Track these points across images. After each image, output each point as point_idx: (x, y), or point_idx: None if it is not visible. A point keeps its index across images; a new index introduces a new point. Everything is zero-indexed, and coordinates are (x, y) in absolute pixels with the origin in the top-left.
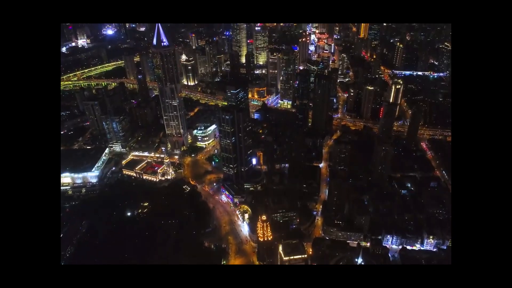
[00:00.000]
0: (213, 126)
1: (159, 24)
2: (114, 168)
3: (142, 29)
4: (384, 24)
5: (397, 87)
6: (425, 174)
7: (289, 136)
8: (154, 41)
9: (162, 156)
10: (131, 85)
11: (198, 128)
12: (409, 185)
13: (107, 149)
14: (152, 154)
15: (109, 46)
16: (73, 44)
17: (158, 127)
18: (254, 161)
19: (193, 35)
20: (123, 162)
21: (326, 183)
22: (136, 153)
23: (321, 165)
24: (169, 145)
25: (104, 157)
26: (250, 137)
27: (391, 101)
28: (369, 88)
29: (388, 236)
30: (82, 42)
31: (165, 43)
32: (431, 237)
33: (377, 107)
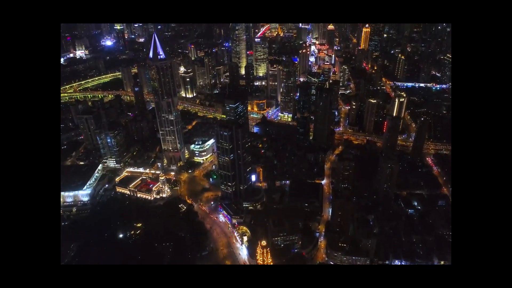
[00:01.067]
0: (211, 141)
1: (156, 36)
2: (107, 185)
3: (141, 40)
4: (385, 35)
5: (401, 100)
6: (432, 192)
7: (290, 151)
8: (151, 54)
9: (158, 172)
10: (128, 97)
11: (196, 143)
12: (416, 203)
13: (101, 165)
14: (148, 171)
15: (108, 57)
16: (71, 55)
17: (155, 141)
18: (253, 177)
19: (192, 46)
20: (117, 179)
21: (329, 202)
22: (131, 169)
23: (323, 181)
24: (165, 161)
25: (97, 174)
26: (250, 153)
27: (394, 114)
28: (372, 101)
29: (396, 261)
30: (80, 53)
31: (161, 56)
32: (442, 262)
33: (380, 120)
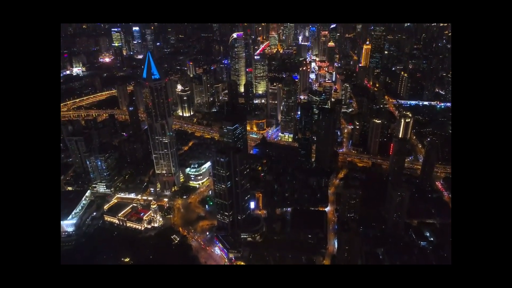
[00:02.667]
0: (208, 164)
1: (150, 55)
2: (95, 213)
3: (140, 57)
4: (386, 52)
5: (407, 120)
6: (445, 221)
7: (291, 174)
8: (144, 74)
9: (150, 198)
10: (123, 115)
11: (191, 166)
12: (428, 234)
13: (89, 191)
14: (139, 197)
15: (105, 74)
16: (68, 72)
17: (149, 163)
18: (252, 204)
19: (191, 63)
20: (106, 206)
21: (334, 232)
22: (122, 195)
23: (327, 209)
24: (158, 186)
25: (84, 201)
26: (249, 178)
27: (400, 135)
28: (376, 121)
29: None
30: (77, 70)
31: (156, 76)
32: None
33: (385, 141)
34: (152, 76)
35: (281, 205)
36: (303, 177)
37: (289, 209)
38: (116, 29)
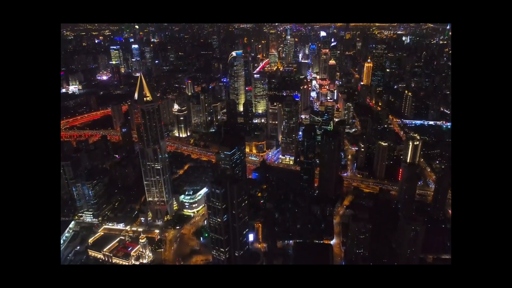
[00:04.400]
0: (204, 190)
1: (142, 76)
2: (78, 247)
3: (138, 74)
4: (387, 69)
5: (415, 143)
6: None
7: (293, 202)
8: (136, 95)
9: (140, 229)
10: (117, 136)
11: (186, 193)
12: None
13: (73, 222)
14: (128, 228)
15: (101, 93)
16: (64, 90)
17: (141, 189)
18: (251, 237)
19: (189, 81)
20: (90, 240)
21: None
22: (110, 225)
23: (332, 241)
24: (150, 215)
25: (67, 234)
26: (247, 209)
27: (408, 160)
28: (382, 143)
29: None
30: (73, 88)
31: (148, 98)
32: None
33: (391, 164)
34: (145, 98)
35: (282, 237)
36: (306, 204)
37: (291, 241)
38: (115, 47)
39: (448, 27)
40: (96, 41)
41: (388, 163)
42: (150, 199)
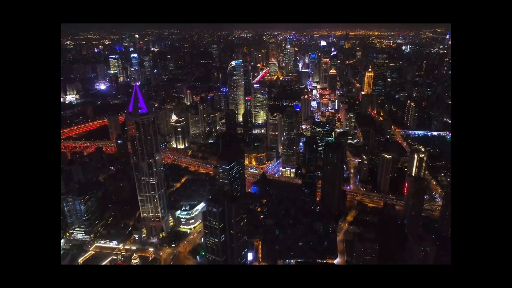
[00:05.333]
0: (201, 205)
1: (137, 87)
2: None
3: (137, 83)
4: (389, 79)
5: (420, 155)
6: None
7: (294, 217)
8: (130, 107)
9: (134, 247)
10: (113, 147)
11: (183, 208)
12: None
13: (62, 240)
14: (121, 246)
15: (99, 102)
16: (61, 99)
17: (136, 203)
18: (250, 256)
19: (188, 91)
20: (80, 260)
21: None
22: (102, 243)
23: (336, 261)
24: (144, 232)
25: None
26: (246, 226)
27: (413, 173)
28: (386, 156)
29: None
30: (71, 97)
31: (143, 110)
32: None
33: (395, 176)
34: (139, 110)
35: (283, 256)
36: (308, 220)
37: (292, 261)
38: (114, 56)
39: (447, 36)
40: (96, 50)
41: (392, 176)
42: (144, 215)
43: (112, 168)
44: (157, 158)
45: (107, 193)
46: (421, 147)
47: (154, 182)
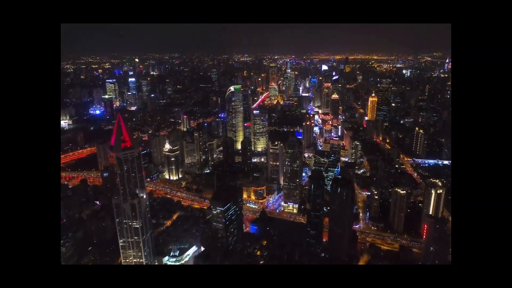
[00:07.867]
0: (193, 249)
1: (121, 119)
2: None
3: (133, 108)
4: (393, 104)
5: (438, 191)
6: None
7: (298, 263)
8: (112, 141)
9: None
10: (101, 179)
11: (171, 254)
12: None
13: None
14: None
15: (92, 128)
16: None
17: (118, 247)
18: None
19: (185, 116)
20: None
21: None
22: None
23: None
24: None
25: None
26: None
27: (431, 212)
28: (400, 191)
29: None
30: (63, 123)
31: (126, 144)
32: None
33: (408, 212)
34: (122, 145)
35: None
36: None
37: None
38: (111, 80)
39: (447, 60)
40: (95, 74)
41: (405, 212)
42: (127, 261)
43: (98, 202)
44: (142, 196)
45: (88, 234)
46: (437, 180)
47: (137, 226)
